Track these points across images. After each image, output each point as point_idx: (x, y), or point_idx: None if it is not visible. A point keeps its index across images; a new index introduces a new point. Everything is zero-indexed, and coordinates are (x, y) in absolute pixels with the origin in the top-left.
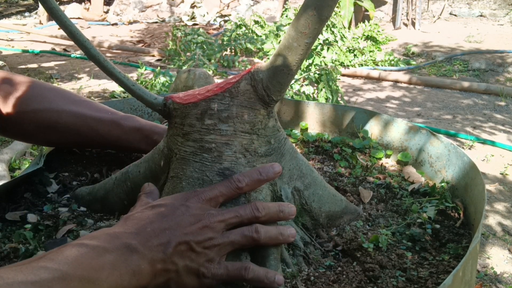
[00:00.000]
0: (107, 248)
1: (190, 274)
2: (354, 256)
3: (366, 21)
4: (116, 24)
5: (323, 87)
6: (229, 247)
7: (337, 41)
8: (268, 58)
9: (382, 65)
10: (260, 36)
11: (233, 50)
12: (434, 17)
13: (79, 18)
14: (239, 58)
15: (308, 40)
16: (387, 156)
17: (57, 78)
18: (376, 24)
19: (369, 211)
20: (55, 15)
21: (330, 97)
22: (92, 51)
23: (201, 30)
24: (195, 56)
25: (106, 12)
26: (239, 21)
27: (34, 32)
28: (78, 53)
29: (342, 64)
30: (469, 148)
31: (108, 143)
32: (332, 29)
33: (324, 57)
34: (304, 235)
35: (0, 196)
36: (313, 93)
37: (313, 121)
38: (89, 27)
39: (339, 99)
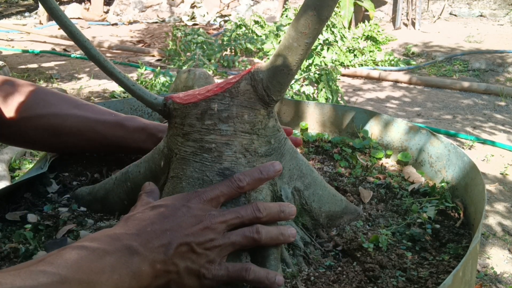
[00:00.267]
0: (107, 250)
1: (191, 275)
2: (354, 256)
3: (366, 21)
4: (116, 24)
5: (323, 87)
6: (230, 248)
7: (337, 41)
8: (268, 58)
9: (382, 65)
10: (260, 36)
11: (233, 50)
12: (434, 17)
13: (79, 18)
14: (239, 58)
15: (308, 40)
16: (387, 156)
17: (57, 78)
18: (376, 24)
19: (369, 211)
20: (55, 15)
21: (330, 97)
22: (92, 51)
23: (201, 30)
24: (195, 56)
25: (106, 12)
26: (239, 21)
27: (34, 32)
28: (78, 53)
29: (342, 64)
30: (469, 148)
31: (113, 144)
32: (332, 29)
33: (324, 57)
34: (304, 235)
35: (1, 197)
36: (313, 93)
37: (313, 121)
38: (89, 27)
39: (339, 99)
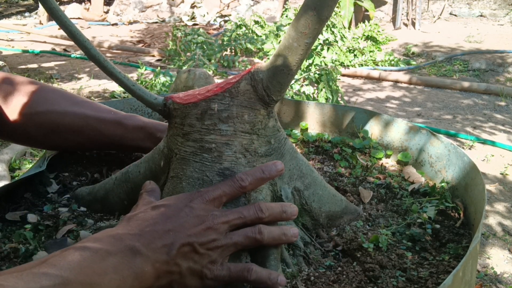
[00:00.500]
0: (110, 251)
1: (193, 276)
2: (354, 256)
3: (366, 21)
4: (116, 24)
5: (323, 87)
6: (232, 248)
7: (337, 41)
8: (268, 58)
9: (382, 65)
10: (260, 36)
11: (233, 50)
12: (434, 17)
13: (79, 18)
14: (239, 58)
15: (308, 40)
16: (387, 156)
17: (57, 78)
18: (376, 24)
19: (369, 211)
20: (55, 15)
21: (330, 97)
22: (92, 51)
23: (201, 30)
24: (195, 56)
25: (106, 12)
26: (239, 21)
27: (34, 32)
28: (78, 53)
29: (342, 64)
30: (469, 148)
31: (111, 142)
32: (332, 29)
33: (324, 57)
34: (304, 235)
35: (0, 196)
36: (313, 93)
37: (313, 121)
38: (89, 27)
39: (339, 99)
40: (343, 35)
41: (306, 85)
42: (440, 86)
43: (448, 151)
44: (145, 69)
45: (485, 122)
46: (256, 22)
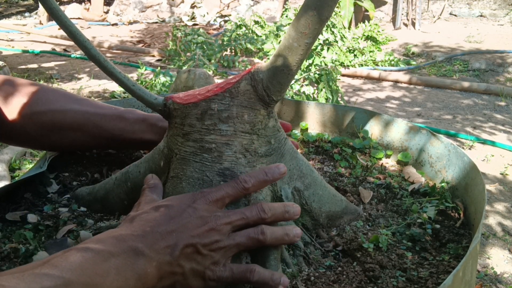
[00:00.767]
0: (112, 252)
1: (196, 277)
2: (354, 256)
3: (366, 21)
4: (116, 24)
5: (323, 87)
6: (235, 249)
7: (337, 41)
8: (268, 58)
9: (382, 65)
10: (260, 36)
11: (233, 50)
12: (434, 17)
13: (79, 18)
14: (239, 58)
15: (308, 40)
16: (387, 156)
17: (57, 78)
18: (376, 24)
19: (369, 211)
20: (55, 15)
21: (330, 97)
22: (92, 51)
23: (201, 30)
24: (195, 56)
25: (106, 12)
26: (239, 21)
27: (34, 32)
28: (78, 53)
29: (342, 64)
30: (469, 148)
31: (113, 137)
32: (332, 29)
33: (324, 57)
34: (304, 235)
35: (1, 196)
36: (313, 93)
37: (313, 121)
38: (89, 27)
39: (339, 99)
40: (343, 35)
41: (306, 85)
42: (440, 86)
43: (448, 151)
44: (145, 69)
45: (485, 122)
46: (256, 22)
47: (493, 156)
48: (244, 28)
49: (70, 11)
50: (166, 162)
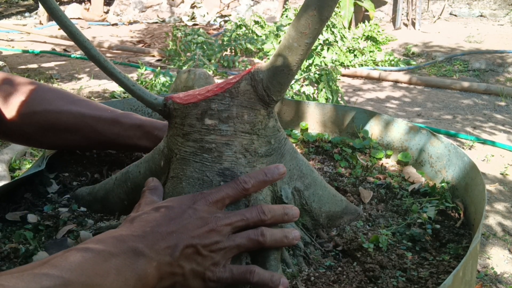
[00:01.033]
0: (112, 252)
1: (196, 278)
2: (354, 256)
3: (366, 21)
4: (116, 24)
5: (323, 87)
6: (235, 250)
7: (337, 41)
8: (268, 58)
9: (382, 65)
10: (260, 36)
11: (233, 50)
12: (434, 17)
13: (79, 18)
14: (239, 58)
15: (308, 40)
16: (387, 156)
17: (57, 79)
18: (376, 24)
19: (369, 211)
20: (55, 16)
21: (330, 97)
22: (92, 51)
23: (201, 30)
24: (195, 56)
25: (106, 13)
26: (239, 21)
27: (34, 32)
28: (78, 53)
29: (342, 64)
30: (469, 148)
31: (108, 141)
32: (332, 29)
33: (324, 57)
34: (304, 235)
35: (0, 196)
36: (313, 93)
37: (313, 121)
38: (89, 27)
39: (339, 99)
40: (343, 35)
41: (306, 85)
42: (440, 86)
43: (448, 151)
44: (145, 69)
45: (485, 122)
46: (256, 22)
47: (493, 156)
48: (244, 28)
49: (70, 11)
50: (166, 162)
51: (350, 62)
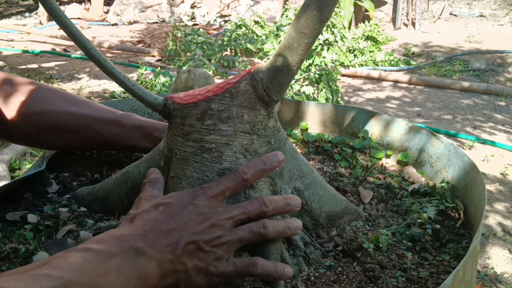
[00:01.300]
0: (113, 252)
1: (199, 273)
2: (354, 256)
3: (366, 21)
4: (116, 24)
5: (323, 87)
6: (237, 244)
7: (337, 41)
8: (268, 58)
9: (382, 65)
10: (260, 36)
11: (233, 50)
12: (434, 17)
13: (79, 18)
14: (239, 58)
15: (308, 40)
16: (387, 156)
17: (57, 79)
18: (376, 24)
19: (369, 211)
20: (55, 16)
21: (330, 97)
22: (92, 51)
23: (201, 30)
24: (195, 56)
25: (106, 13)
26: (239, 21)
27: (34, 32)
28: (78, 53)
29: (342, 64)
30: (469, 148)
31: (108, 142)
32: (332, 29)
33: (324, 57)
34: (304, 235)
35: (0, 196)
36: (313, 93)
37: (313, 121)
38: (89, 27)
39: (339, 99)
40: (343, 35)
41: (306, 85)
42: (440, 86)
43: (448, 151)
44: (145, 69)
45: (485, 122)
46: (256, 22)
47: (493, 156)
48: (244, 28)
49: (70, 11)
50: (166, 162)
51: (350, 62)
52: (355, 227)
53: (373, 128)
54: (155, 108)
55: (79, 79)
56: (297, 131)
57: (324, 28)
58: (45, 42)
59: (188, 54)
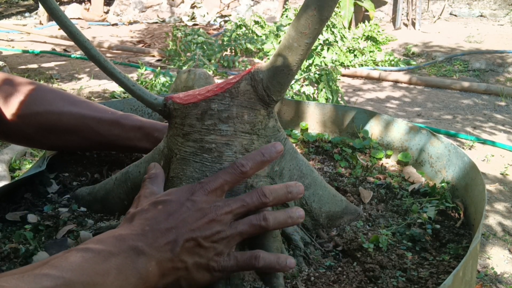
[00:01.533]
0: (112, 251)
1: (200, 270)
2: (355, 256)
3: (366, 21)
4: (116, 24)
5: (323, 87)
6: (238, 237)
7: (337, 41)
8: (268, 58)
9: (382, 65)
10: (260, 36)
11: (233, 50)
12: (434, 17)
13: (79, 18)
14: (239, 58)
15: (308, 40)
16: (387, 156)
17: (57, 79)
18: (376, 24)
19: (369, 211)
20: (55, 16)
21: (330, 97)
22: (92, 51)
23: (201, 30)
24: (195, 57)
25: (106, 13)
26: (239, 21)
27: (34, 32)
28: (78, 53)
29: (342, 64)
30: (469, 148)
31: (109, 142)
32: (332, 29)
33: (324, 57)
34: (304, 235)
35: (1, 196)
36: (313, 93)
37: (313, 121)
38: (89, 27)
39: (339, 99)
40: (343, 35)
41: (306, 85)
42: (440, 86)
43: (448, 151)
44: (145, 69)
45: (485, 122)
46: (256, 22)
47: (493, 156)
48: (244, 28)
49: (70, 11)
50: (166, 162)
51: (350, 62)
52: (355, 227)
53: (373, 128)
54: (155, 108)
55: (79, 79)
56: (297, 131)
57: (324, 28)
58: (45, 42)
59: (188, 54)
